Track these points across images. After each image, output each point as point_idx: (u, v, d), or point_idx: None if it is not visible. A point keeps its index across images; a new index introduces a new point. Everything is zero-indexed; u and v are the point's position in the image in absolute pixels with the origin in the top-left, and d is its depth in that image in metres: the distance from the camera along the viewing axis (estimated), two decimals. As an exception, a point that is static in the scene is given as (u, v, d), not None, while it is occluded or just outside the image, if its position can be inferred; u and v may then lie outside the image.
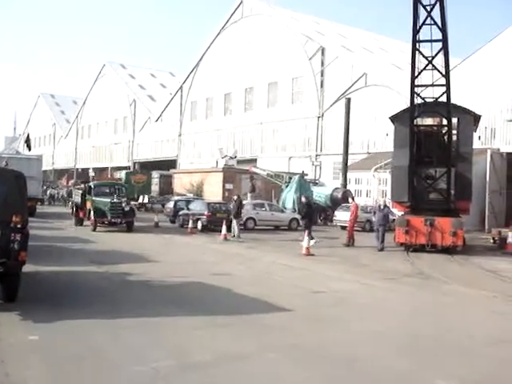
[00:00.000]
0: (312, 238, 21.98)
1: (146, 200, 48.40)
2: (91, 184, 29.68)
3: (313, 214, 25.83)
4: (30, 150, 52.81)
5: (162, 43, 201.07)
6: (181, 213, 31.18)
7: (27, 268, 10.61)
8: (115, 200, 26.11)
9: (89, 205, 27.26)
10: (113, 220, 26.20)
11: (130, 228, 26.64)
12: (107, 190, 27.99)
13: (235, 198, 27.00)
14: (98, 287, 12.26)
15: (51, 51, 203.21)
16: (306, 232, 21.03)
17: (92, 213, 26.30)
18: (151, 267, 15.53)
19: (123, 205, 26.56)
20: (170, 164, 64.87)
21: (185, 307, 10.38)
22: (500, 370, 7.64)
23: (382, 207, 23.49)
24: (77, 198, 30.79)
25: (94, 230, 25.87)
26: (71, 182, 67.48)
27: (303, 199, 25.52)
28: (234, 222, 25.60)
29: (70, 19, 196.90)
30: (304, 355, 7.84)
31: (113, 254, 17.84)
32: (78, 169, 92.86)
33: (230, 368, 7.20)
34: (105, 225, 27.24)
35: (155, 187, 54.05)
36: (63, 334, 8.39)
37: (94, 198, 26.88)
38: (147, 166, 66.79)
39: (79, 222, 28.66)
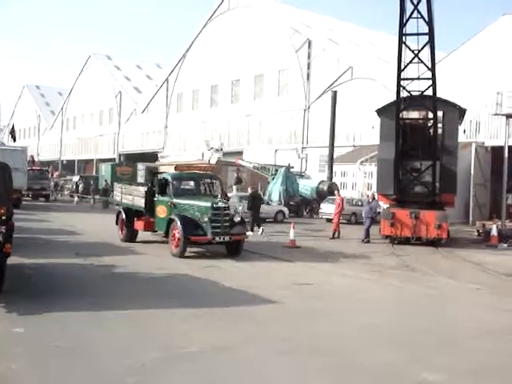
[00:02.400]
0: (259, 227, 24.24)
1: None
2: (167, 176, 18.36)
3: (259, 205, 25.60)
4: (14, 141, 52.45)
5: (148, 34, 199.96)
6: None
7: (12, 260, 10.56)
8: (220, 204, 16.50)
9: (163, 211, 17.59)
10: (217, 238, 16.16)
11: (238, 250, 17.02)
12: (193, 186, 18.67)
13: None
14: (83, 279, 12.22)
15: (36, 42, 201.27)
16: (253, 224, 23.81)
17: (179, 226, 16.04)
18: (137, 259, 15.53)
19: (231, 212, 17.36)
20: (156, 156, 64.63)
21: (172, 300, 10.39)
22: (486, 361, 7.72)
23: (370, 200, 23.66)
24: (126, 200, 20.16)
25: (182, 254, 16.10)
26: (56, 173, 67.02)
27: (249, 190, 26.32)
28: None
29: (55, 9, 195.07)
30: (291, 347, 7.88)
31: (98, 246, 17.78)
32: (63, 161, 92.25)
33: (216, 360, 7.22)
34: (195, 245, 17.26)
35: (141, 179, 53.79)
36: (49, 327, 8.36)
37: (177, 201, 17.09)
38: (133, 158, 66.48)
39: (130, 237, 19.29)
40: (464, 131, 34.01)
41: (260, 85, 54.31)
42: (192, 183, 18.76)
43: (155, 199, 18.04)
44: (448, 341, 8.60)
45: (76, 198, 47.08)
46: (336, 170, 39.63)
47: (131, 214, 19.32)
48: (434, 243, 21.48)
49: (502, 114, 30.02)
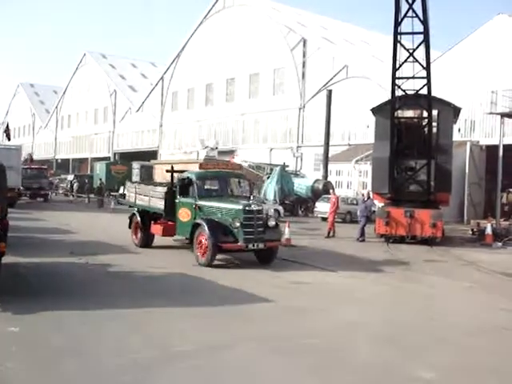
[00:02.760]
0: None
1: (126, 191, 48.12)
2: (191, 175, 16.34)
3: None
4: (9, 140, 52.23)
5: (143, 33, 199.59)
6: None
7: (7, 259, 10.55)
8: (253, 206, 14.82)
9: (186, 214, 15.80)
10: (250, 245, 14.42)
11: (271, 258, 15.36)
12: (219, 187, 16.73)
13: None
14: (78, 278, 12.21)
15: (31, 40, 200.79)
16: None
17: (207, 232, 14.33)
18: (132, 258, 15.50)
19: (266, 215, 16.06)
20: (151, 155, 64.56)
21: (166, 298, 10.38)
22: (480, 359, 7.75)
23: (365, 199, 23.71)
24: (141, 201, 18.21)
25: (210, 263, 14.36)
26: (50, 172, 66.88)
27: None
28: None
29: (49, 7, 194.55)
30: (285, 346, 7.89)
31: (93, 245, 17.74)
32: (57, 159, 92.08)
33: (210, 358, 7.23)
34: (223, 252, 15.27)
35: (136, 178, 53.67)
36: (44, 326, 8.35)
37: (202, 203, 15.39)
38: (128, 157, 66.39)
39: (145, 241, 17.78)
40: (459, 130, 34.09)
41: (255, 83, 54.29)
42: (218, 183, 16.81)
43: (176, 201, 16.20)
44: (442, 339, 8.62)
45: (71, 197, 46.98)
46: (331, 168, 39.65)
47: (147, 216, 17.70)
48: (429, 242, 21.52)
49: (497, 113, 30.08)
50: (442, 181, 22.25)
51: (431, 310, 10.82)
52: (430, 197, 22.24)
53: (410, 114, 23.22)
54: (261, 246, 14.62)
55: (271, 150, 51.56)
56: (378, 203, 25.32)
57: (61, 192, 55.68)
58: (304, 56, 49.52)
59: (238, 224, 14.29)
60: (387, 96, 24.25)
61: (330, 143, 39.38)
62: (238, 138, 55.66)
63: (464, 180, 33.57)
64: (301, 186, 38.06)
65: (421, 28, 19.88)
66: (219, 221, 14.71)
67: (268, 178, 38.26)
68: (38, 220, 25.87)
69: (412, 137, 22.30)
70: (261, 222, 14.80)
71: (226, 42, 57.34)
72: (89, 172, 68.16)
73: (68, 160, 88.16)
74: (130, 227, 18.63)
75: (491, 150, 32.82)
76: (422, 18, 19.64)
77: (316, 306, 10.48)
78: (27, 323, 8.40)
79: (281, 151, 50.21)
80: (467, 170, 33.83)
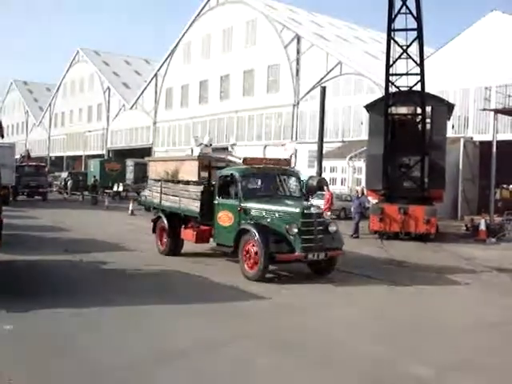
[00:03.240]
0: None
1: (120, 188, 48.07)
2: (234, 172, 14.15)
3: None
4: (2, 137, 51.68)
5: (136, 30, 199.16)
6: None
7: (1, 257, 10.52)
8: (312, 209, 12.93)
9: (227, 218, 13.75)
10: (309, 256, 12.31)
11: (329, 270, 13.48)
12: (266, 186, 14.35)
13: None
14: (73, 276, 12.18)
15: (24, 37, 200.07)
16: None
17: (257, 240, 12.17)
18: (127, 255, 15.48)
19: (326, 219, 14.14)
20: (145, 152, 64.42)
21: (161, 296, 10.38)
22: (475, 355, 7.77)
23: (359, 195, 23.76)
24: (169, 202, 16.17)
25: (261, 277, 12.25)
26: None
27: None
28: None
29: (41, 3, 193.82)
30: (280, 342, 7.91)
31: (87, 243, 17.72)
32: (51, 157, 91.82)
33: (206, 356, 7.24)
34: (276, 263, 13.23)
35: (130, 175, 53.60)
36: (38, 324, 8.34)
37: (250, 205, 13.28)
38: (122, 154, 66.24)
39: (174, 249, 15.81)
40: (452, 126, 34.13)
41: (249, 81, 54.21)
42: (265, 181, 14.42)
43: (215, 202, 14.14)
44: (437, 335, 8.65)
45: (65, 195, 46.83)
46: (325, 165, 39.59)
47: (176, 220, 15.78)
48: (423, 238, 21.58)
49: (491, 110, 30.16)
50: (435, 177, 22.31)
51: (426, 306, 10.84)
52: (424, 193, 22.29)
53: (403, 110, 23.26)
54: (322, 255, 12.50)
55: (265, 146, 51.51)
56: (372, 200, 25.37)
57: (55, 190, 55.51)
58: (298, 53, 49.47)
59: (295, 230, 12.15)
60: (381, 93, 24.29)
61: (324, 140, 39.31)
62: (233, 136, 55.58)
63: (458, 176, 33.62)
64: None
65: (414, 25, 19.91)
66: (272, 226, 12.57)
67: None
68: (32, 218, 25.80)
69: (406, 133, 22.35)
70: (321, 228, 12.73)
71: (219, 38, 57.27)
72: (83, 169, 67.94)
73: (62, 157, 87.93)
74: (153, 232, 16.65)
75: (485, 146, 32.88)
76: (415, 15, 19.67)
77: (309, 302, 10.50)
78: (22, 321, 8.37)
79: (275, 148, 50.16)
80: (461, 167, 33.88)
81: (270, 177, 14.38)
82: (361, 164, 35.57)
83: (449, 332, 8.88)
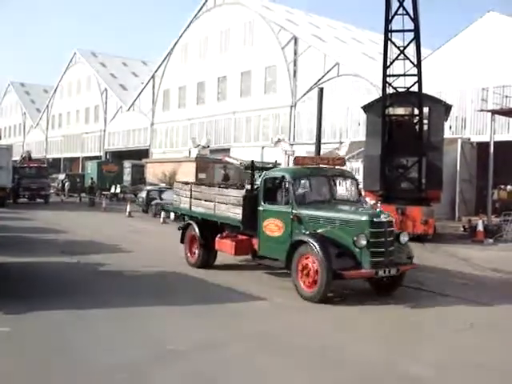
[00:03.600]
0: None
1: (118, 190, 48.10)
2: (285, 173, 12.49)
3: None
4: (-1, 139, 52.02)
5: (134, 31, 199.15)
6: (153, 202, 31.01)
7: (-3, 259, 10.51)
8: (382, 217, 10.99)
9: (276, 227, 11.96)
10: (380, 272, 10.57)
11: (394, 286, 11.65)
12: (321, 189, 12.57)
13: None
14: (69, 278, 12.17)
15: (21, 39, 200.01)
16: None
17: (318, 254, 10.44)
18: (124, 257, 15.46)
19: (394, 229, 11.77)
20: (143, 153, 64.45)
21: (158, 297, 10.37)
22: (473, 356, 7.77)
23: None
24: (202, 208, 14.45)
25: (322, 297, 10.55)
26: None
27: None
28: None
29: (38, 5, 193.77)
30: (278, 343, 7.90)
31: (85, 244, 17.70)
32: (48, 159, 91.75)
33: (204, 357, 7.22)
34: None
35: (127, 177, 53.65)
36: (34, 326, 8.32)
37: (305, 212, 11.51)
38: (119, 156, 66.24)
39: (206, 260, 14.15)
40: (450, 127, 34.14)
41: (246, 82, 54.23)
42: (319, 184, 12.59)
43: (260, 209, 12.35)
44: (435, 336, 8.63)
45: (63, 197, 46.79)
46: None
47: (210, 228, 14.04)
48: (421, 239, 21.56)
49: (488, 110, 30.17)
50: (433, 178, 22.31)
51: (423, 306, 10.82)
52: (422, 194, 22.28)
53: (401, 111, 23.26)
54: (393, 271, 10.77)
55: (263, 148, 51.52)
56: (370, 201, 25.35)
57: (52, 191, 55.50)
58: (295, 54, 49.50)
59: (364, 242, 10.39)
60: (378, 94, 24.30)
61: (322, 141, 39.34)
62: (230, 137, 55.61)
63: (455, 177, 33.62)
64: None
65: (411, 26, 19.93)
66: (332, 237, 10.82)
67: (260, 175, 38.21)
68: (29, 219, 25.78)
69: (403, 134, 22.35)
70: (391, 239, 10.99)
71: (217, 40, 57.32)
72: (80, 171, 67.93)
73: (59, 159, 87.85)
74: (182, 241, 15.01)
75: (482, 146, 32.89)
76: (412, 16, 19.70)
77: (306, 303, 10.48)
78: (18, 323, 8.36)
79: (272, 149, 50.18)
80: (458, 167, 33.88)
81: (324, 179, 12.51)
82: (358, 165, 35.54)
83: (446, 332, 8.86)
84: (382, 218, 10.89)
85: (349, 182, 13.03)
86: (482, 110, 31.41)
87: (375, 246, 10.57)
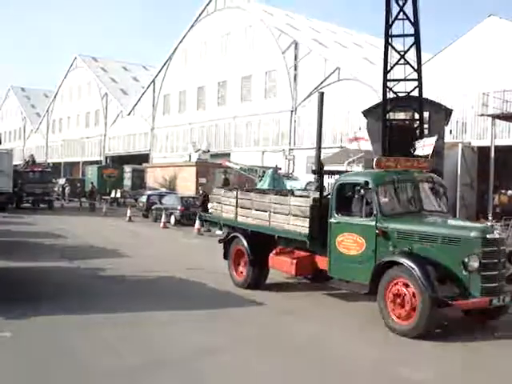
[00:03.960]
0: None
1: (118, 195, 48.08)
2: (368, 178, 10.23)
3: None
4: (0, 144, 52.01)
5: (134, 36, 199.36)
6: (154, 207, 31.03)
7: (-2, 264, 10.50)
8: (495, 234, 9.19)
9: (355, 244, 10.02)
10: (494, 301, 8.67)
11: (498, 313, 9.62)
12: (409, 198, 10.35)
13: (201, 191, 27.20)
14: (70, 283, 12.15)
15: (22, 44, 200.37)
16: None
17: (419, 279, 8.61)
18: (123, 262, 15.44)
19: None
20: (143, 158, 64.51)
21: (157, 302, 10.36)
22: (471, 359, 7.76)
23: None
24: (253, 219, 12.42)
25: (424, 330, 8.67)
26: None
27: (200, 191, 27.12)
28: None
29: (39, 10, 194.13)
30: (277, 348, 7.89)
31: (85, 249, 17.69)
32: (49, 163, 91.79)
33: (202, 362, 7.22)
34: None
35: (127, 181, 53.62)
36: (35, 331, 8.31)
37: (395, 227, 9.64)
38: (120, 160, 66.28)
39: (256, 280, 12.21)
40: (450, 132, 34.15)
41: (247, 86, 54.28)
42: (406, 192, 10.29)
43: (332, 221, 10.31)
44: (433, 339, 8.60)
45: (63, 201, 46.76)
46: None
47: (261, 241, 11.98)
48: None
49: (488, 115, 30.18)
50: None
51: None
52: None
53: (401, 116, 23.28)
54: (507, 299, 8.93)
55: (263, 152, 51.53)
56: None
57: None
58: (296, 59, 49.55)
59: (476, 265, 8.56)
60: (379, 98, 24.28)
61: (322, 145, 39.30)
62: (230, 141, 55.64)
63: (456, 181, 33.59)
64: (293, 188, 38.02)
65: (412, 30, 19.94)
66: (431, 258, 8.96)
67: (260, 180, 38.23)
68: (30, 224, 25.77)
69: (404, 139, 22.35)
70: (504, 260, 9.13)
71: (217, 44, 57.42)
72: (80, 176, 67.94)
73: (59, 164, 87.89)
74: (225, 257, 13.05)
75: (483, 151, 32.90)
76: (412, 21, 19.71)
77: (304, 307, 10.47)
78: (19, 328, 8.35)
79: (273, 154, 50.20)
80: (459, 172, 33.85)
81: (413, 185, 10.38)
82: (359, 169, 35.55)
83: (444, 336, 8.83)
84: (496, 234, 9.10)
85: (437, 188, 10.78)
86: (482, 115, 31.41)
87: (487, 268, 8.68)
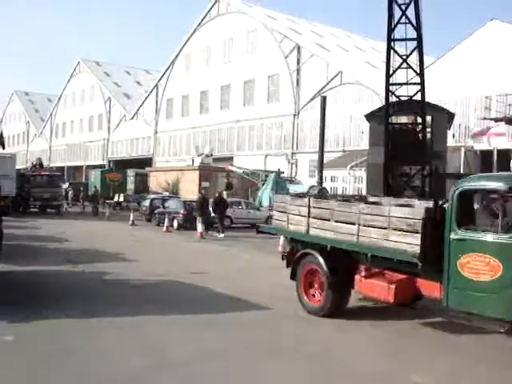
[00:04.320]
0: (223, 232, 25.61)
1: (121, 199, 48.15)
2: (508, 184, 7.73)
3: (224, 210, 27.19)
4: (3, 148, 51.89)
5: (137, 40, 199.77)
6: (157, 211, 31.05)
7: (1, 267, 10.51)
8: None
9: (488, 268, 7.61)
10: None
11: None
12: None
13: (199, 195, 27.23)
14: (74, 287, 12.15)
15: (25, 48, 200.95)
16: (219, 224, 25.69)
17: None
18: (128, 266, 15.45)
19: None
20: (146, 162, 64.61)
21: (161, 306, 10.36)
22: (478, 364, 7.72)
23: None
24: (332, 233, 10.02)
25: None
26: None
27: (217, 195, 27.69)
28: (199, 220, 25.57)
29: (42, 15, 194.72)
30: (282, 353, 7.88)
31: (89, 253, 17.70)
32: (52, 167, 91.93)
33: (206, 367, 7.20)
34: None
35: (131, 185, 53.71)
36: (38, 335, 8.32)
37: None
38: (123, 164, 66.39)
39: (336, 305, 10.07)
40: (453, 135, 34.17)
41: (250, 90, 54.35)
42: None
43: (453, 237, 8.14)
44: (438, 343, 8.59)
45: (66, 205, 46.77)
46: (326, 175, 39.63)
47: (343, 260, 9.96)
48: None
49: (491, 119, 30.19)
50: (436, 186, 22.26)
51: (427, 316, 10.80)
52: (425, 202, 22.21)
53: (404, 119, 23.25)
54: None
55: (266, 156, 51.57)
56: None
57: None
58: (298, 63, 49.62)
59: None
60: (381, 102, 24.32)
61: (325, 149, 39.38)
62: (233, 145, 55.69)
63: (459, 185, 33.61)
64: (296, 192, 38.05)
65: (414, 34, 19.94)
66: None
67: (263, 184, 38.28)
68: (33, 228, 25.81)
69: (406, 143, 22.32)
70: None
71: (220, 49, 57.54)
72: (84, 180, 68.03)
73: (63, 168, 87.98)
74: (293, 278, 10.89)
75: (485, 155, 32.91)
76: (415, 25, 19.70)
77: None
78: (22, 332, 8.36)
79: (276, 158, 50.23)
80: (462, 176, 33.90)
81: None
82: (362, 173, 35.59)
83: (450, 340, 8.83)
84: None
85: None
86: (485, 118, 31.43)
87: None
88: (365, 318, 10.15)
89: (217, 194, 27.77)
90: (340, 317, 9.93)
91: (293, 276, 10.78)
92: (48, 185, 37.70)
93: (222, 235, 25.41)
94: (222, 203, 26.84)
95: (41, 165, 43.50)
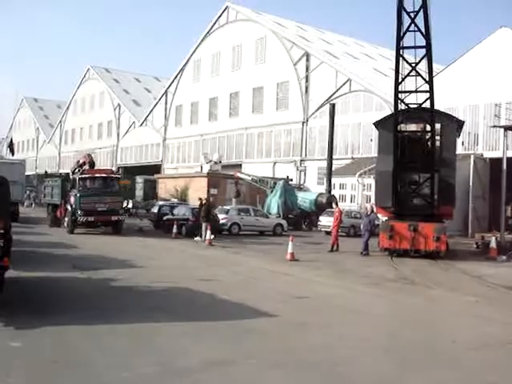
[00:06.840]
0: (201, 236, 25.60)
1: (130, 205, 48.20)
2: None
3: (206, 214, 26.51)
4: (13, 154, 52.38)
5: (147, 47, 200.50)
6: (165, 218, 31.07)
7: (10, 273, 10.51)
8: None
9: None
10: None
11: None
12: None
13: (203, 201, 27.07)
14: (81, 293, 12.15)
15: (35, 54, 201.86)
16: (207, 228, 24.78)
17: None
18: (135, 273, 15.43)
19: None
20: (155, 169, 64.76)
21: (169, 313, 10.34)
22: (484, 374, 7.66)
23: (368, 213, 23.67)
24: None
25: None
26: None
27: (203, 200, 27.29)
28: (204, 225, 25.55)
29: (52, 22, 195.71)
30: (288, 360, 7.83)
31: (96, 260, 17.70)
32: (61, 173, 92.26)
33: (213, 374, 7.17)
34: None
35: (139, 192, 53.81)
36: (46, 341, 8.31)
37: None
38: (131, 171, 66.58)
39: None
40: (462, 143, 34.12)
41: (258, 98, 54.46)
42: None
43: None
44: (446, 353, 8.54)
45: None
46: (335, 182, 39.66)
47: None
48: (433, 256, 21.43)
49: (500, 126, 30.08)
50: (445, 194, 22.21)
51: (436, 324, 10.75)
52: (434, 210, 22.17)
53: (413, 127, 23.23)
54: None
55: (275, 163, 51.62)
56: (382, 217, 25.26)
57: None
58: (307, 70, 49.70)
59: None
60: (390, 110, 24.30)
61: (334, 157, 39.42)
62: (242, 153, 55.76)
63: (468, 193, 33.51)
64: (304, 199, 38.06)
65: (423, 42, 19.93)
66: None
67: (272, 191, 38.28)
68: (41, 234, 25.85)
69: (415, 150, 22.28)
70: None
71: (229, 56, 57.74)
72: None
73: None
74: None
75: (495, 162, 32.80)
76: (424, 32, 19.70)
77: (317, 320, 10.41)
78: (30, 338, 8.35)
79: (284, 165, 50.27)
80: (471, 183, 33.78)
81: None
82: (370, 181, 35.55)
83: (458, 350, 8.77)
84: None
85: None
86: (494, 126, 31.31)
87: None
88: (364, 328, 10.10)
89: (203, 200, 27.40)
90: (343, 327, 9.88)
91: None
92: (104, 191, 27.76)
93: (198, 238, 25.60)
94: (206, 207, 26.59)
95: (92, 164, 30.89)
